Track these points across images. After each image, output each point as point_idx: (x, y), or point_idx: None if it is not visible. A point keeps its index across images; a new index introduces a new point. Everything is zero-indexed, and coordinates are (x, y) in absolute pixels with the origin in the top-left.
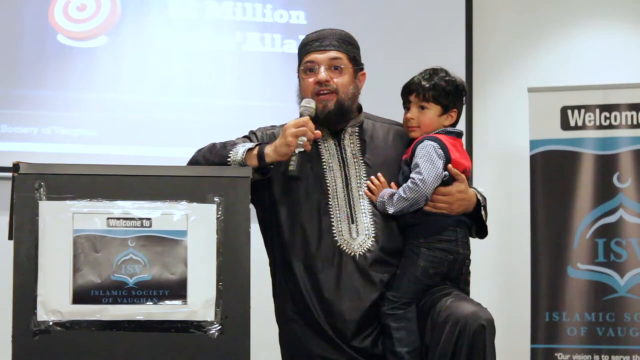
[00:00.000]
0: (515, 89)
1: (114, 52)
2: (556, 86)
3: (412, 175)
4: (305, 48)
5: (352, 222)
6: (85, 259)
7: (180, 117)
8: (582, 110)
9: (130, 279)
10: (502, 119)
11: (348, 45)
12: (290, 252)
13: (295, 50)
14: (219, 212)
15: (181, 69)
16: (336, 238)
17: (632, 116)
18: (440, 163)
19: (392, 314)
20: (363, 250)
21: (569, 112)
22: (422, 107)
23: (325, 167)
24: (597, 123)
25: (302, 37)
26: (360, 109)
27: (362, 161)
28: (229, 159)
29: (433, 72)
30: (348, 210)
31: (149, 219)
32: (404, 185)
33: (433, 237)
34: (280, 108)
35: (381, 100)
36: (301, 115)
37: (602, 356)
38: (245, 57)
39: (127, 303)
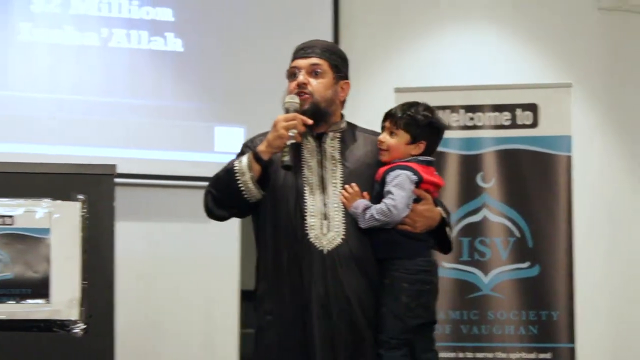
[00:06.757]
0: (383, 89)
1: None
2: (422, 86)
3: (385, 200)
4: (293, 56)
5: (325, 219)
6: None
7: (43, 114)
8: (448, 111)
9: None
10: (370, 118)
11: (331, 54)
12: (270, 244)
13: (163, 48)
14: (84, 210)
15: (45, 65)
16: (307, 231)
17: (495, 117)
18: (411, 189)
19: (390, 355)
20: (332, 247)
21: None
22: (392, 133)
23: (304, 165)
24: (462, 123)
25: (168, 34)
26: (342, 117)
27: (340, 163)
28: (235, 169)
29: (412, 104)
30: (322, 207)
31: (10, 216)
32: (378, 207)
33: (410, 266)
34: (146, 106)
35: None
36: (287, 110)
37: (467, 354)
38: (111, 53)
39: None
